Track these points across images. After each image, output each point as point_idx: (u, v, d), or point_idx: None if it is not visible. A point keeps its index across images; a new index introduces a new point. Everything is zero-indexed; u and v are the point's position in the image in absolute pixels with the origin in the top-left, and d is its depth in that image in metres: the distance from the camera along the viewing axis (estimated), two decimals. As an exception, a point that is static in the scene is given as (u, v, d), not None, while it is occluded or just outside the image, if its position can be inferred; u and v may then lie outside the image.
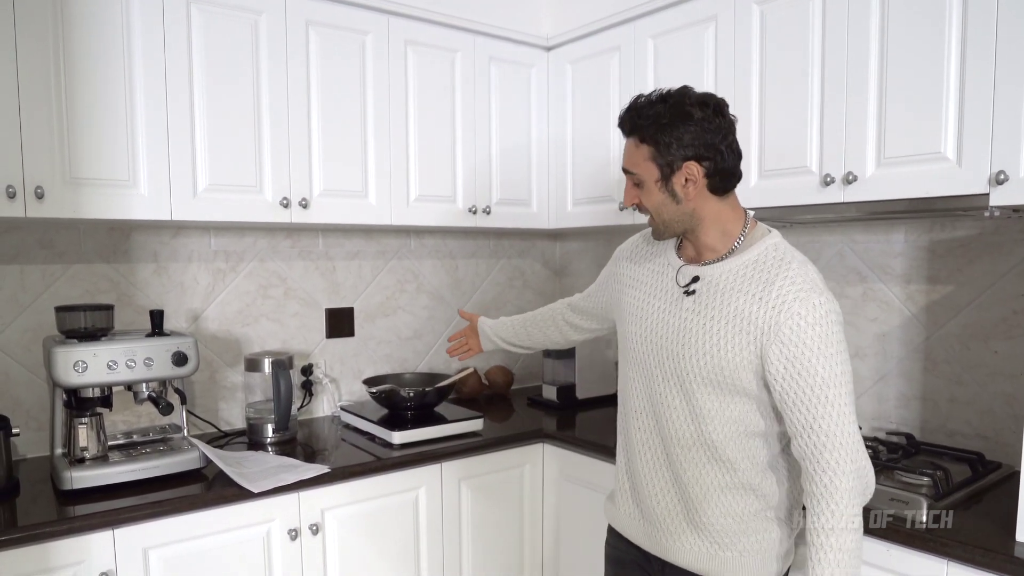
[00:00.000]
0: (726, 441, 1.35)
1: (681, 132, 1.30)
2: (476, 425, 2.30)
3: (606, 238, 2.96)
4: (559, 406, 2.68)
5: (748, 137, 2.00)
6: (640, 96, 1.35)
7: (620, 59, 2.38)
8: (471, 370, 2.60)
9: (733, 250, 1.36)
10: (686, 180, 1.33)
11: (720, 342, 1.31)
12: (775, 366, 1.26)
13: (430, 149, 2.40)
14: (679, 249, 1.46)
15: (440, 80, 2.41)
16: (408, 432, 2.15)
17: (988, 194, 1.55)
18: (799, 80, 1.88)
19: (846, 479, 1.24)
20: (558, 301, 1.94)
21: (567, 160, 2.62)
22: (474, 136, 2.50)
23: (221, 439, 2.24)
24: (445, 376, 2.49)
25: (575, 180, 2.60)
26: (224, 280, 2.36)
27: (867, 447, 1.88)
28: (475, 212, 2.51)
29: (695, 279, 1.37)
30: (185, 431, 2.04)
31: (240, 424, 2.39)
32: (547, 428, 2.37)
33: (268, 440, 2.19)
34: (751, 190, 2.00)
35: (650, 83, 2.27)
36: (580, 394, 2.70)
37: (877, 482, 1.65)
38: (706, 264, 1.38)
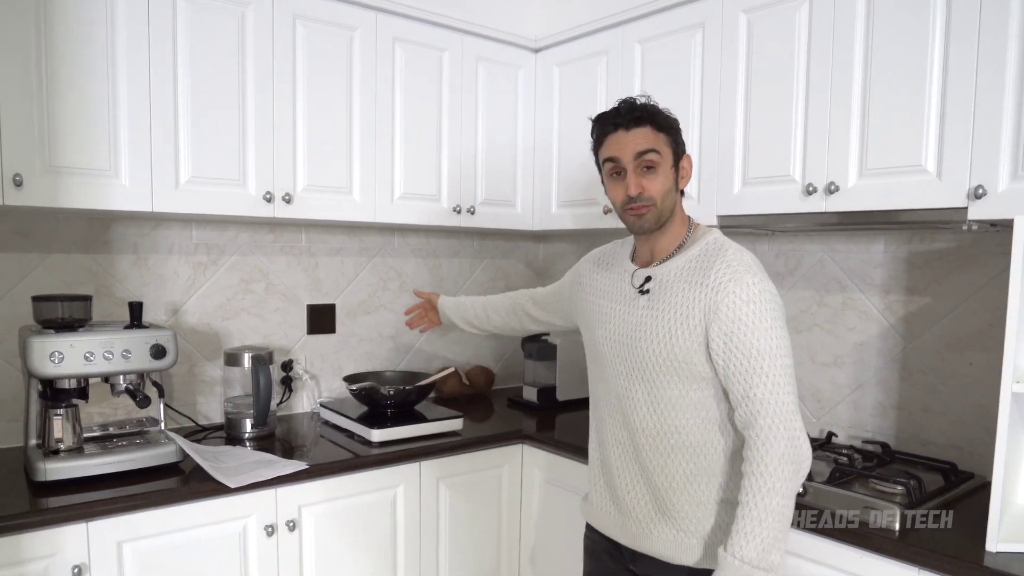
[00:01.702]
0: (687, 428, 1.44)
1: (679, 130, 1.50)
2: (456, 425, 2.30)
3: (589, 241, 2.95)
4: (539, 407, 2.69)
5: (732, 145, 2.02)
6: (635, 98, 1.48)
7: (607, 63, 2.39)
8: (452, 370, 2.61)
9: (680, 247, 1.50)
10: (684, 170, 1.51)
11: (672, 330, 1.42)
12: (716, 343, 1.37)
13: (416, 147, 2.40)
14: (634, 256, 1.59)
15: (427, 78, 2.42)
16: (387, 430, 2.16)
17: (967, 208, 1.58)
18: (784, 89, 1.90)
19: (778, 444, 1.31)
20: (520, 291, 2.05)
21: (552, 162, 2.63)
22: (460, 135, 2.51)
23: (199, 433, 2.22)
24: (426, 375, 2.49)
25: (560, 182, 2.61)
26: (205, 273, 2.35)
27: (842, 455, 1.93)
28: (459, 212, 2.52)
29: (648, 279, 1.50)
30: (162, 424, 2.03)
31: (218, 418, 2.38)
32: (527, 429, 2.38)
33: (246, 435, 2.18)
34: (734, 197, 2.02)
35: (636, 88, 2.29)
36: (560, 396, 2.72)
37: (851, 489, 1.68)
38: (657, 265, 1.51)
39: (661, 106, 1.48)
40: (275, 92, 2.10)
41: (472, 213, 2.55)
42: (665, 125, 1.46)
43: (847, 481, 1.75)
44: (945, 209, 1.62)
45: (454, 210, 2.51)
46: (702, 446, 1.44)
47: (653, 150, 1.44)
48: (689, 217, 1.55)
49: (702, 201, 2.10)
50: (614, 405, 1.54)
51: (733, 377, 1.36)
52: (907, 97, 1.67)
